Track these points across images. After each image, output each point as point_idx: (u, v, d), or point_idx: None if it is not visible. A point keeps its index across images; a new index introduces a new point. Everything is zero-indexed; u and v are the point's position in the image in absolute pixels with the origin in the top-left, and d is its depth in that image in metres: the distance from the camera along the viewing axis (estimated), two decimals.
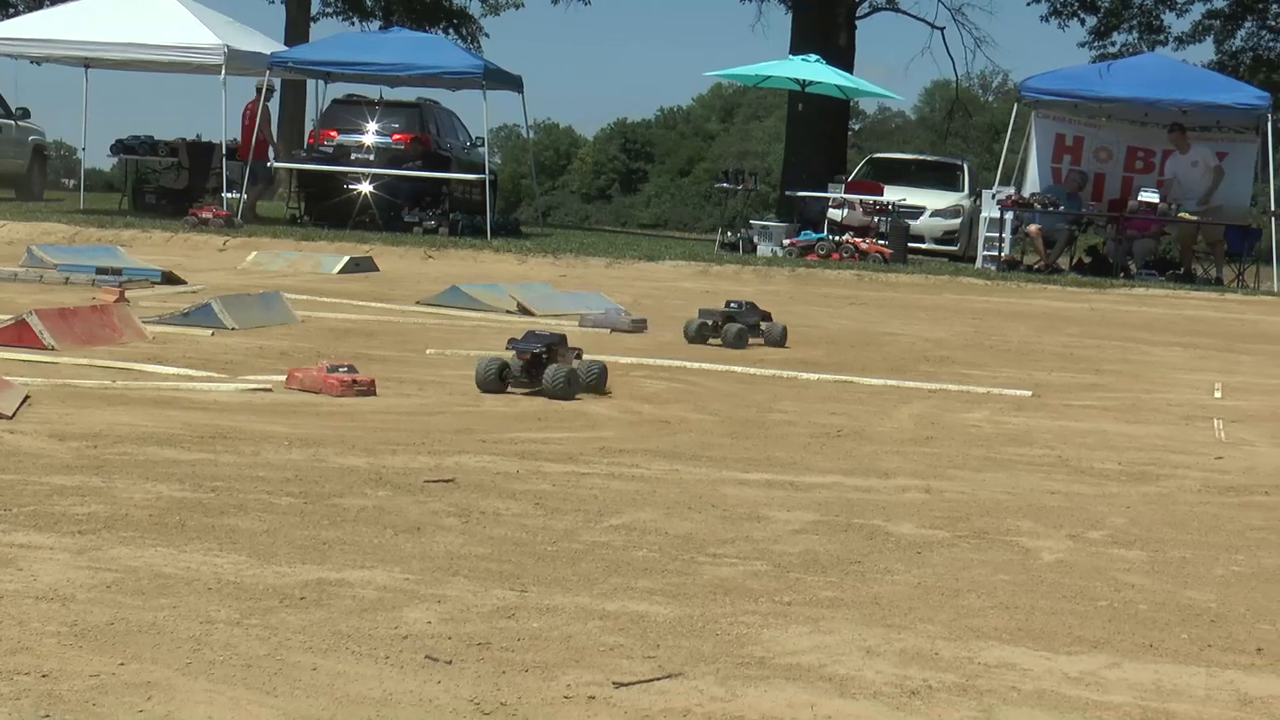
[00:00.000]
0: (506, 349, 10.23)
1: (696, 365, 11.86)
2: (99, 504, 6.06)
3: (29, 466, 6.75)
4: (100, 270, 17.19)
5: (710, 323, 13.78)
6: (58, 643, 4.33)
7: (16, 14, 43.81)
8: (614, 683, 4.21)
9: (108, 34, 28.74)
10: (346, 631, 4.55)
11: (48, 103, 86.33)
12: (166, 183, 30.92)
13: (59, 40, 29.23)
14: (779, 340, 13.95)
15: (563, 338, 10.50)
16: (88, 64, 30.44)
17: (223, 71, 28.20)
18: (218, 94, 29.03)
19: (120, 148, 32.15)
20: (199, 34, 28.35)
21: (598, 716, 3.98)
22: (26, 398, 8.38)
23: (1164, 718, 4.21)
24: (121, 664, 4.17)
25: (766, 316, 14.32)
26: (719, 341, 13.48)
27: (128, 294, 14.72)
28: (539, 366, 9.96)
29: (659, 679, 4.26)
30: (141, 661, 4.20)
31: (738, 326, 13.60)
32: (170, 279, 17.17)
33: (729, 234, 29.24)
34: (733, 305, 14.27)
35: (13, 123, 34.55)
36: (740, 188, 31.65)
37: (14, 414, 7.94)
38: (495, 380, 9.93)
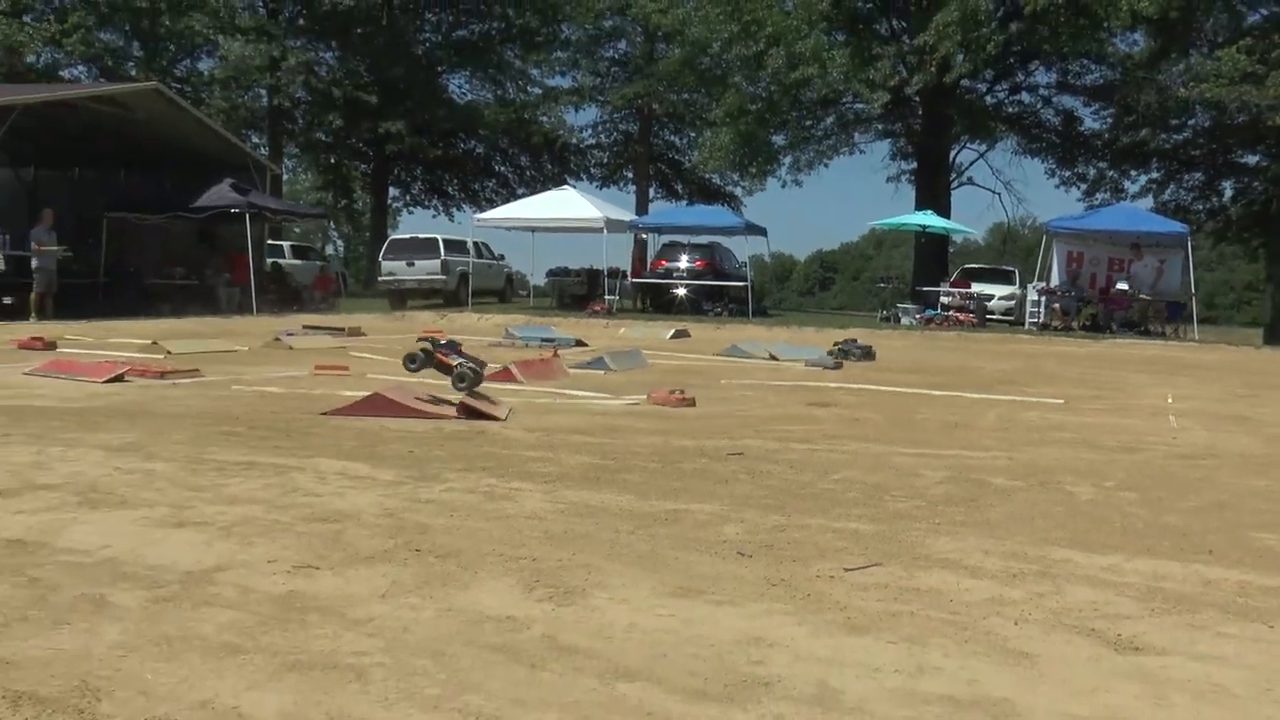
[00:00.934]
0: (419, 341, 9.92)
1: (873, 387, 11.59)
2: (553, 466, 6.10)
3: (515, 445, 6.83)
4: (544, 339, 17.44)
5: (837, 348, 15.80)
6: (538, 542, 4.36)
7: (494, 205, 45.01)
8: (844, 568, 4.11)
9: (543, 213, 29.27)
10: (692, 538, 4.51)
11: (513, 250, 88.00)
12: (575, 291, 31.28)
13: (519, 218, 29.79)
14: (869, 356, 15.77)
15: (457, 346, 10.05)
16: (533, 229, 31.01)
17: (604, 231, 28.41)
18: (600, 243, 29.39)
19: (552, 273, 32.73)
20: (591, 211, 28.68)
21: (836, 587, 3.88)
22: (511, 409, 8.53)
23: (1158, 592, 3.98)
24: (573, 554, 4.17)
25: (867, 350, 16.00)
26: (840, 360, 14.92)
27: (559, 352, 14.93)
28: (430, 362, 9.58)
29: (870, 566, 4.14)
30: (584, 553, 4.21)
31: (844, 350, 15.71)
32: (580, 343, 17.36)
33: (884, 312, 28.82)
34: (843, 342, 16.35)
35: (496, 261, 35.36)
36: (890, 285, 31.39)
37: (505, 418, 8.09)
38: (414, 364, 9.58)
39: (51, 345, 14.01)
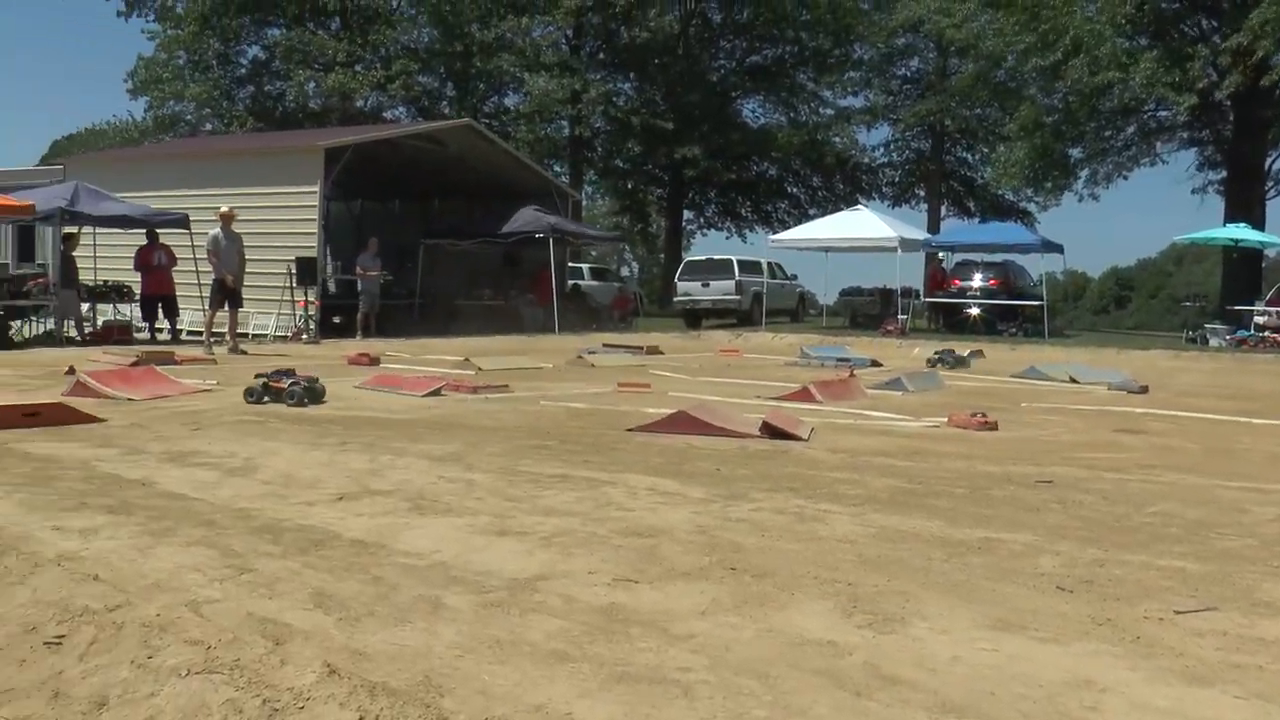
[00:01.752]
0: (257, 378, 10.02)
1: (1186, 414, 10.84)
2: (859, 489, 6.01)
3: (819, 466, 6.77)
4: (839, 359, 17.27)
5: (937, 356, 16.84)
6: (851, 566, 4.28)
7: (786, 226, 44.99)
8: (1174, 610, 3.84)
9: (837, 233, 29.03)
10: (1007, 569, 4.32)
11: (804, 270, 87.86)
12: (868, 311, 30.85)
13: (813, 238, 29.66)
14: (964, 364, 16.73)
15: (291, 371, 10.18)
16: (827, 249, 30.82)
17: (898, 250, 27.90)
18: (893, 262, 28.87)
19: (845, 293, 32.46)
20: (885, 230, 28.24)
21: (1168, 631, 3.62)
22: (812, 429, 8.48)
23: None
24: (887, 580, 4.08)
25: (961, 359, 17.04)
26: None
27: (856, 372, 14.76)
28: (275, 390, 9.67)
29: (1204, 610, 3.85)
30: (898, 580, 4.10)
31: (945, 357, 16.71)
32: (875, 363, 17.10)
33: (1190, 333, 26.99)
34: (940, 352, 17.57)
35: (789, 281, 35.34)
36: (1197, 304, 29.46)
37: (808, 439, 8.04)
38: (254, 398, 9.65)
39: (375, 361, 14.95)
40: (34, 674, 3.17)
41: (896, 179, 49.46)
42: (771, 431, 7.99)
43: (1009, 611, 3.70)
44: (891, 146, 48.81)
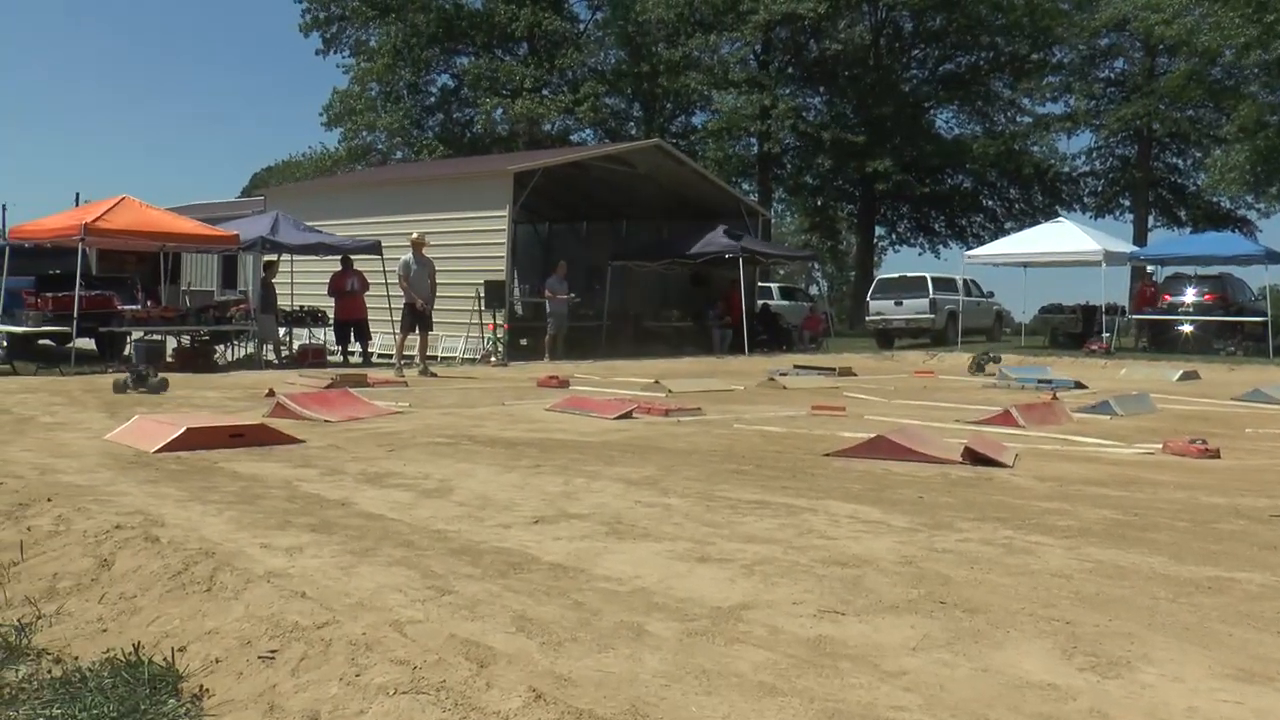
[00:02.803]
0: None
1: None
2: (1071, 520, 5.78)
3: (1026, 495, 6.56)
4: (1040, 380, 16.76)
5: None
6: (1069, 603, 4.11)
7: (981, 241, 43.99)
8: None
9: (1037, 247, 28.17)
10: (1244, 612, 4.06)
11: (1000, 286, 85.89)
12: (1069, 329, 29.84)
13: (1011, 253, 28.89)
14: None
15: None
16: (1025, 265, 29.99)
17: (1102, 264, 26.89)
18: (1096, 277, 27.91)
19: (1045, 310, 31.55)
20: (1087, 243, 27.28)
21: None
22: (1017, 455, 8.24)
23: None
24: (1109, 620, 3.89)
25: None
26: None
27: (1058, 394, 14.29)
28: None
29: None
30: (1121, 619, 3.91)
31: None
32: (1079, 385, 16.53)
33: None
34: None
35: (984, 299, 34.55)
36: None
37: (1013, 464, 7.82)
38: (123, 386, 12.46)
39: (565, 383, 15.20)
40: (250, 686, 3.30)
41: (1099, 188, 47.79)
42: (974, 457, 7.79)
43: (1250, 660, 3.49)
44: (1094, 154, 47.27)
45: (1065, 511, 6.00)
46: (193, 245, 20.30)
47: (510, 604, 3.93)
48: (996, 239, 34.62)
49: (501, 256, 22.83)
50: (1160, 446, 9.05)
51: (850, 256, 53.58)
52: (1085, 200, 48.04)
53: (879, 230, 50.27)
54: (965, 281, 32.73)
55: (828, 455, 8.08)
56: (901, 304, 31.26)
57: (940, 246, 50.41)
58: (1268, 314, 27.00)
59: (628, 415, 10.89)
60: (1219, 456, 8.61)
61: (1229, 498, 6.65)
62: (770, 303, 32.56)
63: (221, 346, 19.91)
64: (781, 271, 45.53)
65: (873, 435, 8.40)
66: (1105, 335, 26.87)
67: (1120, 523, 5.72)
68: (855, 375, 18.41)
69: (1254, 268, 28.03)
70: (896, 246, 53.01)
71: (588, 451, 8.21)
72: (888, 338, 31.26)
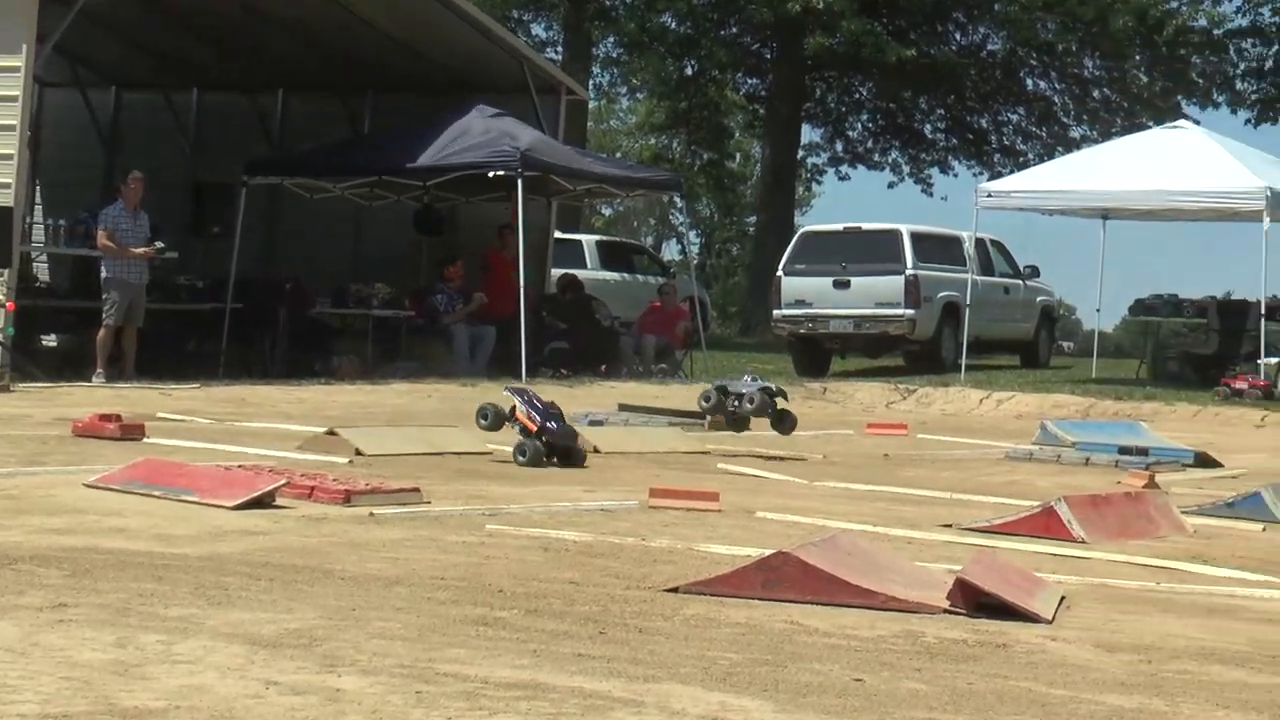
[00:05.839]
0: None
1: None
2: None
3: (1078, 682, 6.68)
4: (1123, 450, 17.18)
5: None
6: None
7: (1026, 164, 44.98)
8: None
9: (1131, 181, 28.95)
10: None
11: (1052, 257, 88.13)
12: (1191, 347, 30.72)
13: (1078, 191, 29.63)
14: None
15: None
16: (1105, 215, 30.77)
17: (1265, 219, 27.72)
18: (1255, 243, 28.65)
19: (1140, 308, 32.34)
20: (1237, 177, 28.07)
21: None
22: (1063, 598, 8.39)
23: None
24: None
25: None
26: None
27: (1158, 478, 14.66)
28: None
29: None
30: None
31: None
32: (1205, 461, 16.96)
33: None
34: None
35: (1021, 283, 35.34)
36: None
37: (1053, 618, 7.97)
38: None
39: (136, 430, 14.97)
40: None
41: (1269, 64, 49.52)
42: (974, 601, 7.94)
43: None
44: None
45: (1156, 718, 6.14)
46: None
47: None
48: (1047, 160, 35.57)
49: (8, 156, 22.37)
50: None
51: (750, 187, 54.41)
52: (1239, 87, 49.73)
53: (812, 134, 51.19)
54: (983, 244, 33.46)
55: (675, 591, 8.19)
56: (848, 285, 31.79)
57: (934, 170, 51.60)
58: None
59: (263, 502, 10.83)
60: None
61: None
62: (582, 274, 32.87)
63: None
64: (608, 212, 46.03)
65: (770, 553, 8.52)
66: (1266, 362, 27.73)
67: None
68: (748, 428, 18.64)
69: None
70: (845, 168, 53.50)
71: (174, 577, 8.14)
72: (817, 353, 31.90)
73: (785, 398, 17.34)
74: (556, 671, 6.38)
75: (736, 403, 16.76)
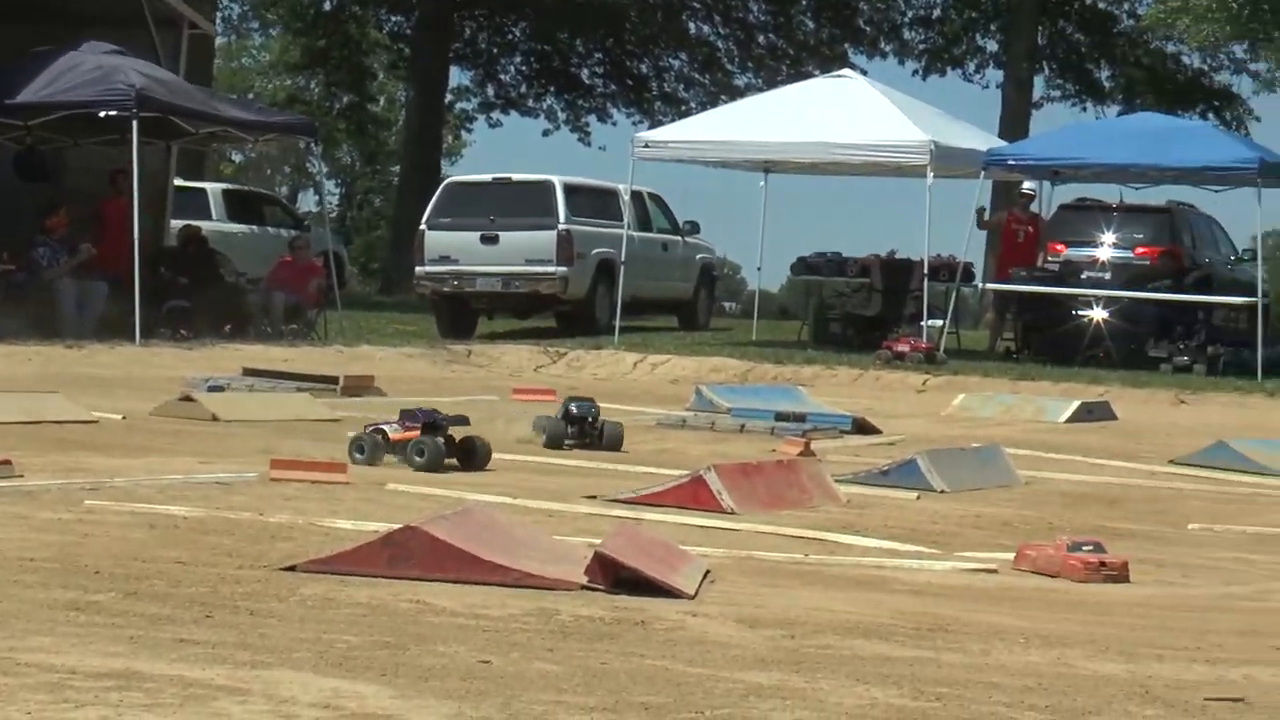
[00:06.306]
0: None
1: None
2: (805, 709, 5.97)
3: (718, 659, 6.78)
4: (780, 416, 17.39)
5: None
6: None
7: (688, 113, 45.28)
8: None
9: (793, 133, 29.25)
10: None
11: (715, 215, 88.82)
12: (854, 308, 31.15)
13: (738, 142, 29.89)
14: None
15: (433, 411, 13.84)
16: (767, 168, 31.10)
17: (928, 173, 28.23)
18: (920, 198, 29.15)
19: (802, 267, 32.69)
20: (902, 130, 28.51)
21: None
22: (708, 572, 8.48)
23: None
24: None
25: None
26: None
27: (814, 445, 14.88)
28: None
29: None
30: None
31: None
32: (863, 428, 17.25)
33: None
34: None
35: (680, 239, 35.59)
36: None
37: (695, 592, 8.05)
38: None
39: None
40: None
41: (936, 12, 50.39)
42: (614, 576, 8.00)
43: None
44: None
45: (798, 697, 6.23)
46: None
47: None
48: (713, 109, 35.84)
49: None
50: (1012, 558, 9.57)
51: (395, 133, 54.18)
52: (908, 37, 50.57)
53: (460, 78, 51.12)
54: (642, 198, 33.63)
55: (292, 570, 8.17)
56: (497, 241, 31.79)
57: (593, 118, 51.78)
58: (1263, 291, 28.93)
59: None
60: (1127, 579, 9.20)
61: (1132, 664, 7.10)
62: (206, 225, 32.71)
63: None
64: (238, 159, 45.52)
65: (399, 527, 8.52)
66: (931, 324, 28.22)
67: (903, 713, 5.96)
68: (383, 393, 18.60)
69: (1240, 195, 30.13)
70: (498, 112, 53.38)
71: None
72: (463, 313, 32.10)
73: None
74: (155, 659, 6.31)
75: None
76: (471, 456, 13.53)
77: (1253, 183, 28.64)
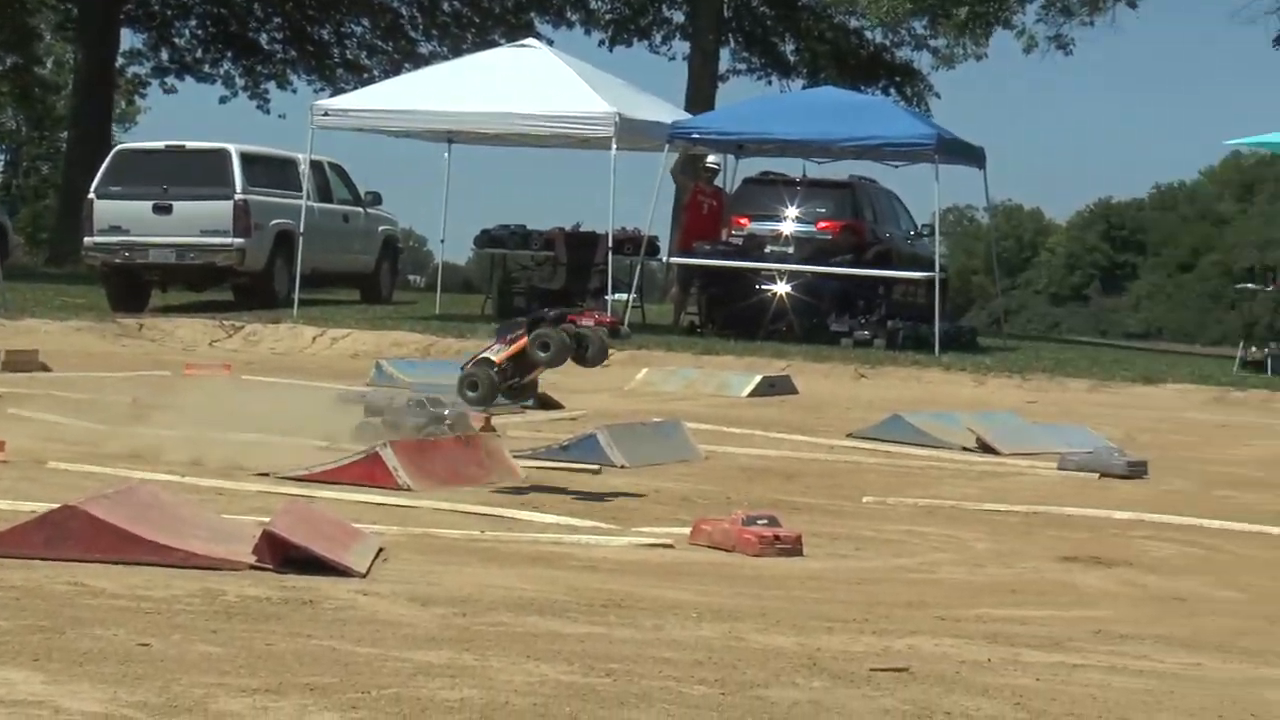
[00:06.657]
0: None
1: (1218, 525, 11.46)
2: (472, 688, 6.01)
3: (388, 638, 6.79)
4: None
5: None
6: None
7: (371, 80, 45.13)
8: None
9: (477, 103, 29.24)
10: None
11: (399, 186, 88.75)
12: (538, 281, 31.21)
13: (421, 111, 29.82)
14: None
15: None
16: (451, 138, 31.06)
17: (613, 145, 28.33)
18: (604, 171, 29.26)
19: (486, 239, 32.69)
20: (586, 101, 28.59)
21: None
22: (380, 550, 8.47)
23: None
24: None
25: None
26: None
27: (494, 421, 14.90)
28: None
29: None
30: None
31: None
32: (546, 403, 17.29)
33: (1254, 349, 28.49)
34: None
35: (362, 210, 35.48)
36: (1270, 289, 31.09)
37: (367, 571, 8.04)
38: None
39: None
40: None
41: None
42: (283, 555, 7.97)
43: None
44: None
45: (463, 672, 6.24)
46: None
47: None
48: (394, 77, 35.71)
49: None
50: (689, 532, 9.68)
51: (65, 97, 53.44)
52: (592, 6, 50.66)
53: (132, 39, 50.49)
54: (322, 168, 33.47)
55: None
56: (170, 211, 31.47)
57: (272, 84, 51.40)
58: (940, 266, 29.41)
59: None
60: (801, 552, 9.35)
61: (803, 636, 7.22)
62: None
63: None
64: None
65: (57, 506, 8.40)
66: (615, 297, 28.30)
67: (575, 691, 6.02)
68: (48, 369, 18.40)
69: (918, 170, 30.54)
70: (170, 78, 52.66)
71: None
72: (135, 286, 31.82)
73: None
74: None
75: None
76: (587, 347, 13.35)
77: (929, 159, 29.09)
